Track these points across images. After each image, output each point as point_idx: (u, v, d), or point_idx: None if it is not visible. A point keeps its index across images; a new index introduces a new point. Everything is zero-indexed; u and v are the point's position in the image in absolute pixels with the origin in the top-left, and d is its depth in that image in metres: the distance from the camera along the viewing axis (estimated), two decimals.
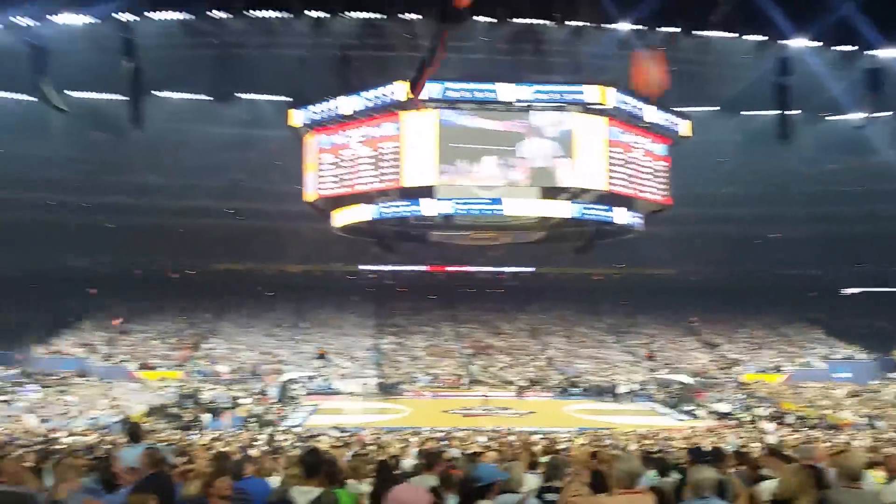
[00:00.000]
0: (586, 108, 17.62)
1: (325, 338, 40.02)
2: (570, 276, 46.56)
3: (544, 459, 8.08)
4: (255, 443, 16.53)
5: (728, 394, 33.14)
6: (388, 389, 33.17)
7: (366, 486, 5.38)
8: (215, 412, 26.79)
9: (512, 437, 17.39)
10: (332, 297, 44.38)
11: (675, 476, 5.86)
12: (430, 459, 5.73)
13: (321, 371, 35.07)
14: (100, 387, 30.60)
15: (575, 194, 18.17)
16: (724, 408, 30.18)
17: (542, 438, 17.12)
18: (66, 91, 34.35)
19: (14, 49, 32.47)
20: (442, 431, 20.31)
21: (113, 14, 30.52)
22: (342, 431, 20.41)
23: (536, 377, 36.41)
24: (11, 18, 31.39)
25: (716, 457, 6.31)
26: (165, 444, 14.94)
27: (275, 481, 5.54)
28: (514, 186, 17.62)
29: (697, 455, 6.39)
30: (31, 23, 31.18)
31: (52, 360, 34.15)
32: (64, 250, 42.11)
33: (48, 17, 31.20)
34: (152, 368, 33.84)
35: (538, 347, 41.32)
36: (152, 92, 38.31)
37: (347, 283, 45.25)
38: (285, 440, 17.63)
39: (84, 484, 5.20)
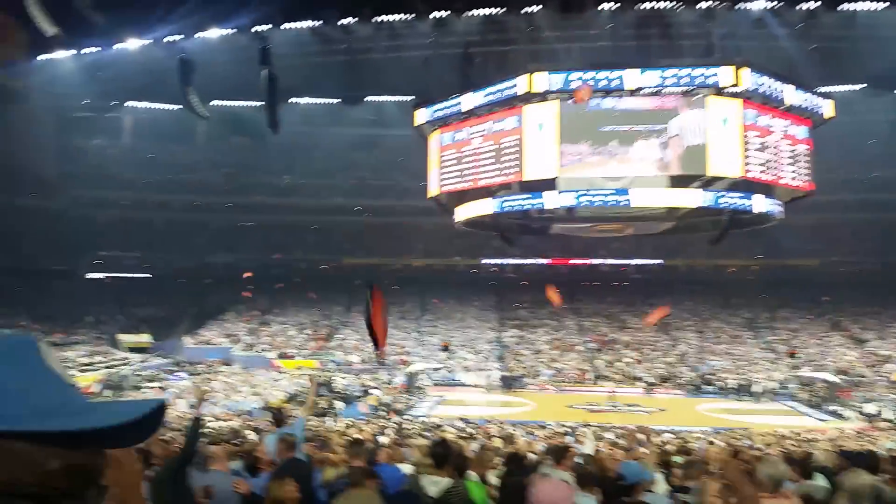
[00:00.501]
0: (719, 90, 16.79)
1: (448, 330, 40.67)
2: (702, 268, 44.47)
3: (678, 459, 7.83)
4: (384, 431, 17.06)
5: (878, 393, 30.41)
6: (510, 383, 33.17)
7: (493, 478, 5.43)
8: (348, 400, 28.00)
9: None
10: (454, 290, 45.03)
11: (821, 481, 5.48)
12: (558, 454, 5.66)
13: (445, 363, 35.69)
14: (242, 375, 32.80)
15: (707, 182, 17.36)
16: (873, 408, 27.74)
17: (673, 437, 16.49)
18: (209, 100, 37.06)
19: (164, 63, 35.76)
20: (568, 426, 20.07)
21: (251, 27, 32.69)
22: (467, 423, 20.69)
23: (666, 373, 35.11)
24: (164, 37, 34.57)
25: (870, 462, 5.78)
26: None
27: (405, 468, 5.66)
28: (643, 176, 17.12)
29: (852, 459, 5.87)
30: (179, 38, 34.08)
31: (200, 350, 36.93)
32: (209, 248, 45.44)
33: (195, 32, 33.97)
34: (290, 358, 35.78)
35: (668, 343, 39.82)
36: (287, 98, 40.64)
37: (470, 276, 45.72)
38: (412, 429, 18.05)
39: (231, 468, 5.55)
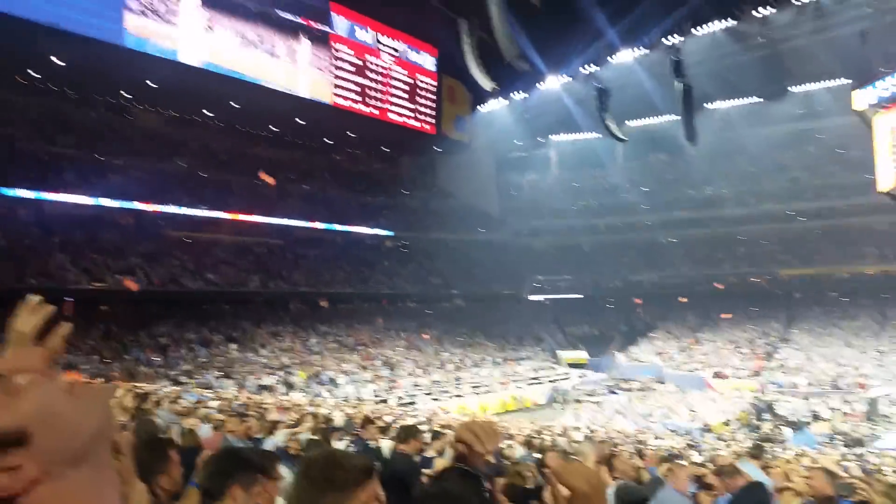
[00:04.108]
0: None
1: None
2: None
3: None
4: (843, 463, 14.90)
5: None
6: None
7: None
8: (796, 426, 25.25)
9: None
10: None
11: None
12: None
13: None
14: (676, 394, 32.31)
15: None
16: None
17: None
18: (624, 122, 38.18)
19: (581, 94, 38.27)
20: None
21: (662, 40, 32.81)
22: None
23: None
24: (580, 70, 37.08)
25: None
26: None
27: None
28: None
29: None
30: (594, 68, 36.08)
31: (633, 368, 37.61)
32: (634, 267, 46.32)
33: (607, 58, 35.60)
34: (725, 377, 33.97)
35: None
36: (703, 105, 39.46)
37: None
38: (879, 463, 15.39)
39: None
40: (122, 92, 32.21)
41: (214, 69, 29.96)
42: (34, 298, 1.10)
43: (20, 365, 0.75)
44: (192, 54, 29.16)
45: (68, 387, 0.70)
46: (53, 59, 27.21)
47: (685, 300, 43.41)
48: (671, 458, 10.64)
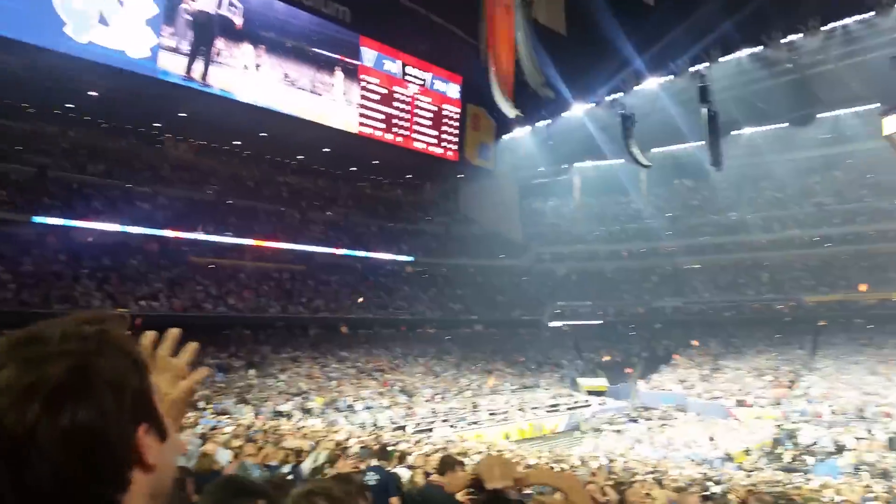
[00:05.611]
0: None
1: None
2: None
3: None
4: (869, 494, 14.49)
5: None
6: None
7: None
8: (819, 455, 24.62)
9: None
10: None
11: None
12: None
13: None
14: (698, 422, 31.65)
15: None
16: None
17: None
18: (648, 148, 38.02)
19: (606, 121, 38.24)
20: None
21: (689, 67, 32.79)
22: None
23: None
24: (605, 97, 37.14)
25: None
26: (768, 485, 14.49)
27: None
28: None
29: None
30: (619, 96, 36.10)
31: (654, 395, 36.95)
32: (656, 293, 45.76)
33: (633, 87, 35.62)
34: (748, 406, 33.24)
35: None
36: (729, 132, 39.20)
37: None
38: None
39: None
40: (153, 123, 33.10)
41: (260, 105, 30.61)
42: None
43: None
44: (243, 93, 29.84)
45: None
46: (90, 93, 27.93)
47: (696, 343, 42.64)
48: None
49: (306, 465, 7.05)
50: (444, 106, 40.36)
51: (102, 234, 27.59)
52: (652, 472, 16.22)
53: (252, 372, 27.86)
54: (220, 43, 29.03)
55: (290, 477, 6.00)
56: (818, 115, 40.89)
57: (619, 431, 30.64)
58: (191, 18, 27.91)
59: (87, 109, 30.05)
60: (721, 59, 32.42)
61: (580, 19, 26.20)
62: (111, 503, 0.68)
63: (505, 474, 1.82)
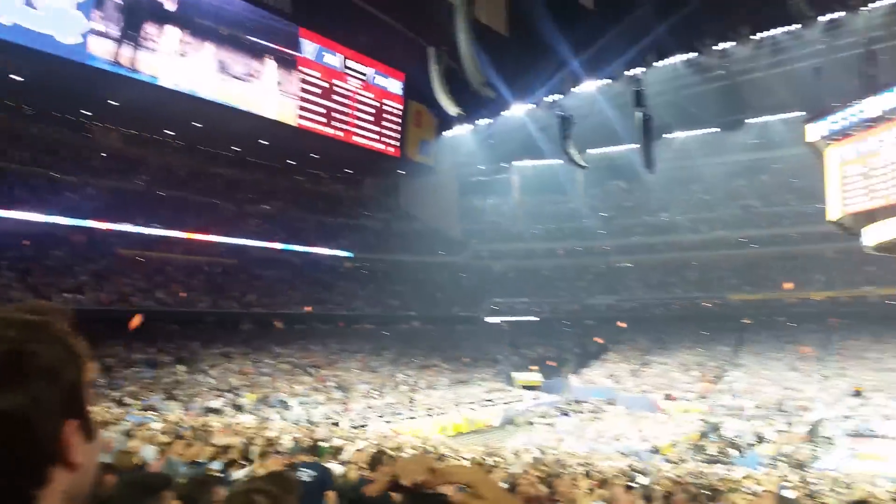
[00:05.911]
0: None
1: (859, 372, 34.33)
2: None
3: None
4: (785, 483, 15.15)
5: None
6: None
7: None
8: (740, 448, 25.65)
9: None
10: (866, 325, 37.95)
11: None
12: None
13: (857, 411, 30.16)
14: (627, 416, 32.48)
15: None
16: None
17: None
18: (585, 149, 38.70)
19: (544, 122, 38.73)
20: None
21: (625, 72, 33.47)
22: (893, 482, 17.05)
23: None
24: (544, 98, 37.57)
25: None
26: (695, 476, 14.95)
27: None
28: None
29: None
30: (558, 97, 36.59)
31: (586, 390, 37.71)
32: (590, 290, 46.71)
33: (571, 88, 36.14)
34: (675, 400, 34.35)
35: None
36: (662, 135, 40.26)
37: (885, 309, 37.83)
38: (820, 483, 15.71)
39: None
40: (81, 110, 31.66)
41: (186, 92, 29.65)
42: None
43: None
44: (169, 79, 28.91)
45: None
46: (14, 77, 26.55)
47: (623, 325, 43.82)
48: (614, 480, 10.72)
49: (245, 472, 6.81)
50: (386, 101, 40.12)
51: (25, 224, 26.19)
52: (581, 464, 16.49)
53: (181, 367, 26.99)
54: (150, 28, 28.03)
55: (219, 474, 5.79)
56: (747, 121, 42.57)
57: (551, 425, 31.12)
58: (121, 2, 26.87)
59: (11, 94, 28.57)
60: (656, 64, 33.22)
61: (521, 20, 26.37)
62: (27, 498, 0.64)
63: (420, 469, 1.75)
